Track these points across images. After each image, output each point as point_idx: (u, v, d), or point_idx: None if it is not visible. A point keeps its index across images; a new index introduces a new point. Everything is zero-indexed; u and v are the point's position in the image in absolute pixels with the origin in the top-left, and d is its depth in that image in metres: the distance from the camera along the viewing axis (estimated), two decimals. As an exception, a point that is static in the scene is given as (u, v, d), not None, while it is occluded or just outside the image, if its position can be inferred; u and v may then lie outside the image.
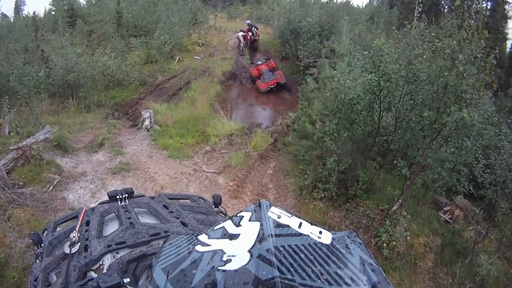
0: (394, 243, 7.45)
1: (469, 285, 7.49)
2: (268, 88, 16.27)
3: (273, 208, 1.64)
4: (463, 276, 7.61)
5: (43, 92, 11.35)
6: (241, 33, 19.47)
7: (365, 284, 1.42)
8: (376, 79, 7.43)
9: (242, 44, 19.51)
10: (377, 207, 8.38)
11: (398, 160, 7.61)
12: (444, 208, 9.36)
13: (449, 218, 9.06)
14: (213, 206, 4.06)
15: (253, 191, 9.31)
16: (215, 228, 1.69)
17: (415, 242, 7.84)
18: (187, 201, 4.35)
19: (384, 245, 7.45)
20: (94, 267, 2.80)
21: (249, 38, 19.91)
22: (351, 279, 1.41)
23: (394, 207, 8.00)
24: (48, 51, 14.97)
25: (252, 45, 20.45)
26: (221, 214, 4.00)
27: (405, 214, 7.83)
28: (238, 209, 8.27)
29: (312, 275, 1.34)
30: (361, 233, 7.87)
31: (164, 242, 1.77)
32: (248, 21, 20.90)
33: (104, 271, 2.72)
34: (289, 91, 16.81)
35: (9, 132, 9.84)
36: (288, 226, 1.56)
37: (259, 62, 17.27)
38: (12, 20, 29.41)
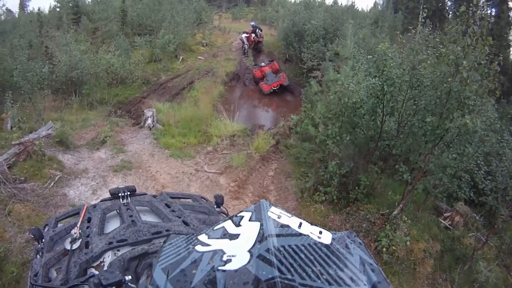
0: (394, 247, 7.44)
1: (467, 291, 7.49)
2: (271, 90, 16.21)
3: (273, 208, 1.64)
4: (462, 283, 7.60)
5: (46, 88, 11.39)
6: (244, 35, 19.40)
7: (365, 284, 1.42)
8: (380, 83, 7.42)
9: (245, 45, 19.42)
10: (377, 212, 8.37)
11: (400, 165, 7.60)
12: (444, 214, 9.34)
13: (449, 224, 9.04)
14: (215, 206, 4.06)
15: (254, 192, 9.31)
16: (215, 228, 1.69)
17: (415, 247, 7.82)
18: (189, 200, 4.36)
19: (384, 249, 7.44)
20: (95, 264, 2.81)
21: (252, 39, 19.80)
22: (351, 279, 1.41)
23: (395, 212, 7.99)
24: (52, 48, 15.01)
25: (256, 47, 20.33)
26: (223, 215, 4.00)
27: (406, 219, 7.81)
28: (239, 210, 8.24)
29: (312, 275, 1.34)
30: (361, 237, 7.83)
31: (164, 242, 1.77)
32: (252, 23, 20.80)
33: (105, 268, 2.73)
34: (292, 93, 16.82)
35: (11, 127, 9.87)
36: (288, 226, 1.56)
37: (262, 64, 17.21)
38: (17, 16, 29.45)
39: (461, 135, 6.85)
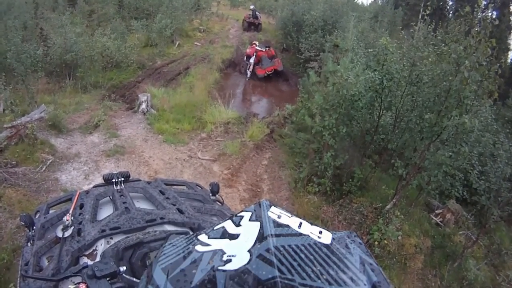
0: (385, 241, 7.50)
1: (456, 288, 7.58)
2: (265, 74, 16.39)
3: (273, 208, 1.61)
4: (451, 280, 7.69)
5: (40, 70, 11.21)
6: (249, 49, 17.13)
7: (365, 284, 1.40)
8: (379, 77, 7.43)
9: (249, 69, 16.99)
10: (370, 205, 8.43)
11: (396, 160, 7.63)
12: (436, 211, 9.43)
13: (440, 221, 9.13)
14: (210, 194, 4.01)
15: (247, 181, 9.28)
16: (215, 228, 1.67)
17: (406, 242, 7.89)
18: (184, 187, 4.31)
19: (376, 243, 7.49)
20: (87, 253, 2.74)
21: (252, 20, 21.34)
22: (351, 279, 1.39)
23: (388, 206, 8.04)
24: (47, 30, 14.80)
25: (256, 28, 21.34)
26: (218, 203, 3.94)
27: (398, 213, 7.86)
28: (232, 198, 8.29)
29: (312, 275, 1.31)
30: (353, 229, 7.91)
31: (164, 242, 1.75)
32: (252, 7, 22.21)
33: (98, 256, 2.68)
34: (287, 81, 16.98)
35: (4, 110, 9.73)
36: (288, 226, 1.54)
37: (258, 48, 17.13)
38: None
39: (458, 134, 6.89)
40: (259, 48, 16.90)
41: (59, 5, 20.04)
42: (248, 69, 16.77)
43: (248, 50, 16.95)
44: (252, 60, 16.56)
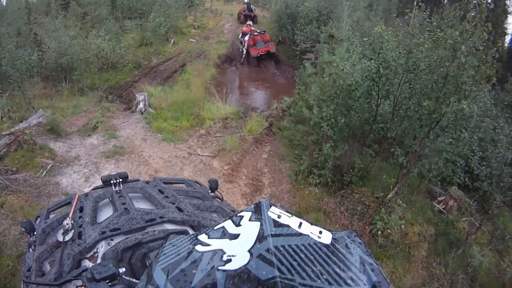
0: (388, 231, 7.49)
1: (461, 275, 7.55)
2: (259, 54, 16.70)
3: (273, 208, 1.61)
4: (455, 267, 7.67)
5: (36, 75, 11.25)
6: (244, 30, 17.88)
7: (365, 284, 1.40)
8: (376, 66, 7.38)
9: (244, 47, 17.63)
10: (372, 195, 8.42)
11: (396, 148, 7.61)
12: (438, 198, 9.40)
13: (443, 208, 9.11)
14: (209, 191, 4.01)
15: (248, 175, 9.27)
16: (215, 228, 1.67)
17: (409, 231, 7.89)
18: (183, 185, 4.31)
19: (379, 232, 7.48)
20: (88, 255, 2.76)
21: (247, 13, 21.74)
22: (351, 279, 1.38)
23: (390, 195, 8.02)
24: (41, 34, 14.84)
25: (252, 21, 21.08)
26: (217, 199, 3.94)
27: (400, 202, 7.85)
28: (233, 193, 8.29)
29: (312, 275, 1.31)
30: (355, 220, 7.92)
31: (164, 242, 1.74)
32: (246, 0, 22.38)
33: (99, 259, 2.69)
34: (278, 63, 17.38)
35: (1, 117, 9.73)
36: (288, 226, 1.53)
37: (255, 33, 17.45)
38: (4, 4, 29.01)
39: (457, 120, 6.84)
40: (254, 29, 17.40)
41: (52, 9, 20.01)
42: (243, 47, 17.17)
43: (244, 29, 17.53)
44: (247, 38, 17.00)
